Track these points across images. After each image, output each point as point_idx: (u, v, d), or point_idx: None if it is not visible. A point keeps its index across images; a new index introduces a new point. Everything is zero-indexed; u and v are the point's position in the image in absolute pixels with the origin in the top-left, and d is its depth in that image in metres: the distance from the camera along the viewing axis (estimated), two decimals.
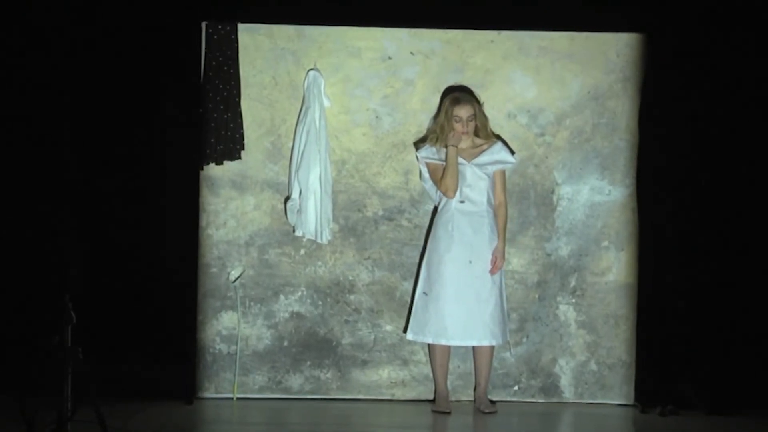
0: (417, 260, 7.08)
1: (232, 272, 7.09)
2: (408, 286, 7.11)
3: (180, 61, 6.95)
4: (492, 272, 6.78)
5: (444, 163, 6.82)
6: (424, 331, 6.85)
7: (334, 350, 7.14)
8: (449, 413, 6.82)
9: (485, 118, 6.89)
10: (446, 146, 6.79)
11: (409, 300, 7.10)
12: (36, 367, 6.17)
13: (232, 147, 7.02)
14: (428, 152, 6.89)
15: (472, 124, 6.81)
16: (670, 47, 6.96)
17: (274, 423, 6.67)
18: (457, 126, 6.77)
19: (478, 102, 6.89)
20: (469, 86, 7.02)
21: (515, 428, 6.67)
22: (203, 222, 7.09)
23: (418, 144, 7.01)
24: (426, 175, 6.95)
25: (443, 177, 6.80)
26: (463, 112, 6.77)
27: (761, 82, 6.98)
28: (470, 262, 6.77)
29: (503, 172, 6.90)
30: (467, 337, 6.80)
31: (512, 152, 6.94)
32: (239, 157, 7.05)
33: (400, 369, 7.15)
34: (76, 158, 6.95)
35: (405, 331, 7.01)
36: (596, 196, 7.13)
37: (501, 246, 6.82)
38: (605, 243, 7.13)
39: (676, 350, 6.98)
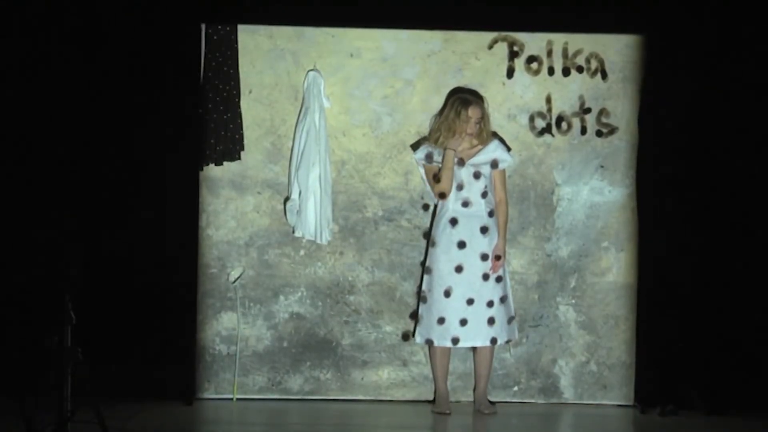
0: (417, 261, 7.08)
1: (232, 273, 7.09)
2: (408, 286, 7.11)
3: (180, 62, 6.94)
4: (493, 271, 6.79)
5: (440, 166, 6.82)
6: (429, 333, 6.84)
7: (333, 351, 7.13)
8: (449, 414, 6.81)
9: (488, 121, 6.89)
10: (444, 148, 6.78)
11: (409, 300, 7.10)
12: (36, 367, 6.17)
13: (231, 147, 7.02)
14: (425, 153, 6.89)
15: (478, 127, 6.81)
16: (670, 48, 6.96)
17: (274, 424, 6.67)
18: (467, 126, 6.76)
19: (485, 105, 6.88)
20: (468, 87, 7.02)
21: (515, 429, 6.66)
22: (203, 222, 7.09)
23: (415, 145, 7.02)
24: (423, 176, 6.96)
25: (438, 179, 6.80)
26: (475, 113, 6.77)
27: (761, 81, 6.99)
28: (470, 262, 6.77)
29: (502, 171, 6.90)
30: (469, 338, 6.80)
31: (508, 149, 6.93)
32: (239, 158, 7.06)
33: (399, 370, 7.15)
34: (75, 158, 6.95)
35: (413, 333, 7.01)
36: (596, 197, 7.13)
37: (501, 244, 6.82)
38: (605, 243, 7.13)
39: (676, 350, 6.97)
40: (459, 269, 6.77)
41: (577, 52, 7.11)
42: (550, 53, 7.12)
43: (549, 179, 7.14)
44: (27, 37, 6.96)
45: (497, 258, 6.80)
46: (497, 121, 7.05)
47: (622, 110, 7.11)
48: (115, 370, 6.74)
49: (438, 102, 6.99)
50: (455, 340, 6.80)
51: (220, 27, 7.00)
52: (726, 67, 6.94)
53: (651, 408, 6.91)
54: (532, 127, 7.13)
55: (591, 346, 7.16)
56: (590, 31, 7.08)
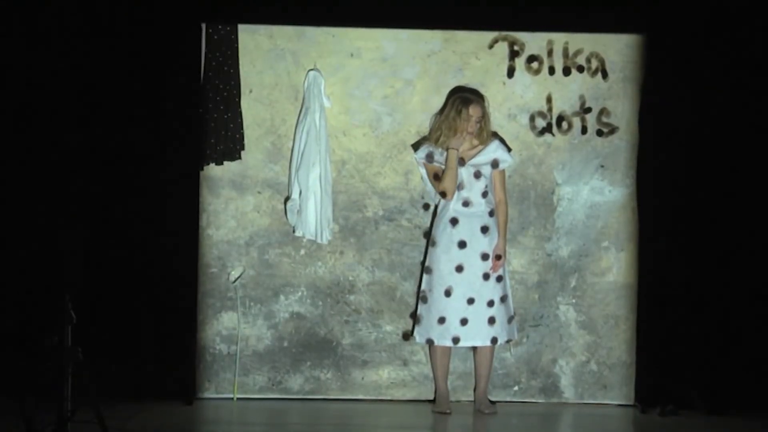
0: (417, 260, 7.08)
1: (232, 272, 7.10)
2: (408, 286, 7.11)
3: (180, 61, 6.94)
4: (493, 271, 6.79)
5: (442, 165, 6.82)
6: (428, 333, 6.85)
7: (334, 350, 7.14)
8: (449, 414, 6.81)
9: (489, 120, 6.89)
10: (447, 148, 6.78)
11: (409, 300, 7.10)
12: (36, 367, 6.17)
13: (232, 147, 7.02)
14: (426, 153, 6.89)
15: (479, 126, 6.80)
16: (670, 48, 6.96)
17: (274, 423, 6.67)
18: (467, 125, 6.75)
19: (486, 104, 6.87)
20: (468, 86, 7.01)
21: (515, 429, 6.67)
22: (203, 222, 7.10)
23: (416, 144, 7.01)
24: (424, 176, 6.96)
25: (441, 179, 6.80)
26: (476, 112, 6.76)
27: (761, 81, 6.98)
28: (471, 262, 6.77)
29: (502, 171, 6.89)
30: (469, 338, 6.80)
31: (509, 149, 6.93)
32: (239, 158, 7.06)
33: (400, 369, 7.15)
34: (75, 158, 6.95)
35: (412, 332, 7.01)
36: (596, 196, 7.13)
37: (502, 244, 6.82)
38: (605, 243, 7.13)
39: (676, 350, 6.97)
40: (459, 269, 6.77)
41: (578, 52, 7.11)
42: (550, 53, 7.11)
43: (549, 179, 7.14)
44: (27, 37, 6.96)
45: (497, 258, 6.80)
46: (497, 121, 7.05)
47: (623, 110, 7.11)
48: (115, 370, 6.74)
49: (438, 102, 6.99)
50: (456, 340, 6.80)
51: (220, 27, 7.00)
52: (726, 66, 6.93)
53: (651, 408, 6.91)
54: (533, 127, 7.13)
55: (591, 346, 7.16)
56: (590, 31, 7.08)
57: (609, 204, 7.13)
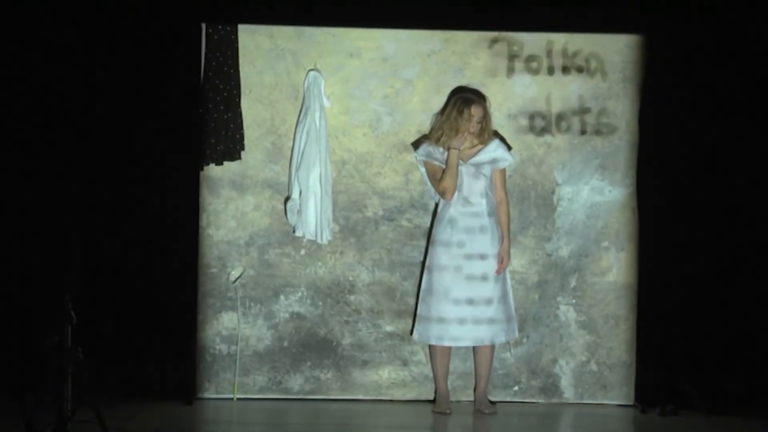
0: (417, 260, 7.08)
1: (232, 272, 7.09)
2: (408, 286, 7.11)
3: (180, 61, 6.95)
4: (498, 272, 6.78)
5: (442, 165, 6.82)
6: (428, 332, 6.85)
7: (334, 350, 7.14)
8: (449, 414, 6.82)
9: (490, 120, 6.89)
10: (448, 148, 6.79)
11: (409, 300, 7.10)
12: (36, 367, 6.17)
13: (232, 147, 7.02)
14: (426, 152, 6.89)
15: (480, 126, 6.80)
16: (670, 48, 6.97)
17: (274, 423, 6.67)
18: (469, 125, 6.75)
19: (487, 104, 6.88)
20: (469, 86, 7.02)
21: (515, 429, 6.67)
22: (203, 222, 7.10)
23: (416, 143, 7.01)
24: (424, 175, 6.96)
25: (442, 179, 6.80)
26: (477, 112, 6.76)
27: (761, 81, 6.99)
28: (470, 262, 6.77)
29: (503, 171, 6.90)
30: (469, 337, 6.80)
31: (509, 148, 6.93)
32: (239, 158, 7.06)
33: (400, 369, 7.15)
34: (76, 158, 6.95)
35: (411, 332, 7.02)
36: (596, 196, 7.13)
37: (506, 245, 6.82)
38: (605, 243, 7.13)
39: (676, 350, 6.98)
40: (459, 269, 6.77)
41: (577, 52, 7.11)
42: (549, 53, 7.12)
43: (549, 179, 7.14)
44: (27, 37, 6.97)
45: (503, 258, 6.79)
46: (497, 121, 7.04)
47: (622, 110, 7.11)
48: (115, 370, 6.75)
49: (438, 102, 6.99)
50: (455, 340, 6.80)
51: (220, 27, 7.00)
52: (726, 66, 6.95)
53: (651, 408, 6.91)
54: (532, 127, 7.13)
55: (591, 346, 7.16)
56: (590, 31, 7.08)
57: (609, 204, 7.13)
